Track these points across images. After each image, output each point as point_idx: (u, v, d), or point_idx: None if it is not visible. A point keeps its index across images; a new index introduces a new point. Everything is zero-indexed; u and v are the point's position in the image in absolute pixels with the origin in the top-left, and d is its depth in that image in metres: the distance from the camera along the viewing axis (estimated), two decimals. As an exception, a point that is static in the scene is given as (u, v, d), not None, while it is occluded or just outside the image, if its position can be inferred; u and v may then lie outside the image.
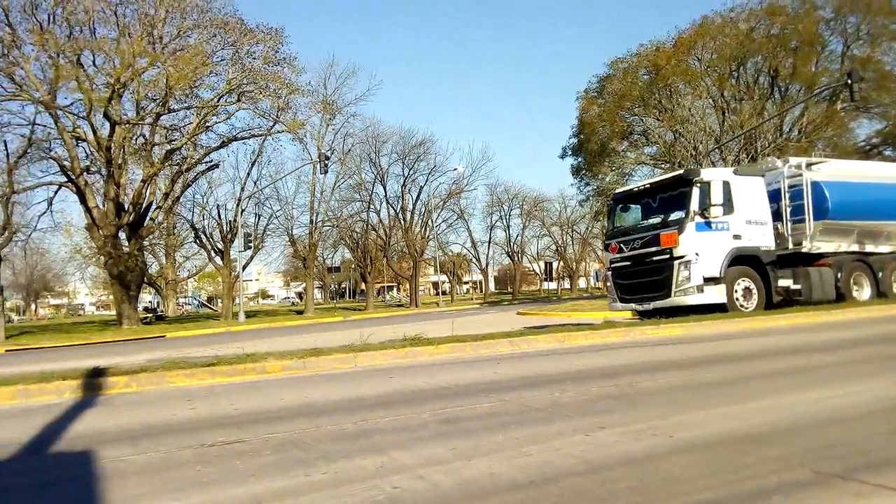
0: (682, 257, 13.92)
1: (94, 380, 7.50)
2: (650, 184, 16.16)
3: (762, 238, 14.93)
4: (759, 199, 15.16)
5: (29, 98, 26.99)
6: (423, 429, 4.88)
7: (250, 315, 41.87)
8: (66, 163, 29.26)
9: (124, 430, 5.45)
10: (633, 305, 15.32)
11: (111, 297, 46.87)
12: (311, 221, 45.94)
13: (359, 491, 3.46)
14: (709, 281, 13.92)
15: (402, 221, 56.10)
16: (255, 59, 30.85)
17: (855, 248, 16.44)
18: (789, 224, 15.91)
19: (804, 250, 15.73)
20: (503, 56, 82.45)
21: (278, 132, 34.39)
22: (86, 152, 30.07)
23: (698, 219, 14.12)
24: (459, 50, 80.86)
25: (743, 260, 14.58)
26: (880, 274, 16.20)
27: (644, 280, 14.80)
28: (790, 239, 15.88)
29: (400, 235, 56.88)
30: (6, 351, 20.75)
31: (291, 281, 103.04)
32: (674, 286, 14.00)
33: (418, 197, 56.42)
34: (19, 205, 32.49)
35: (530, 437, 4.48)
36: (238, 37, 29.42)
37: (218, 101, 30.82)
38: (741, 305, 14.28)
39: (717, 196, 13.91)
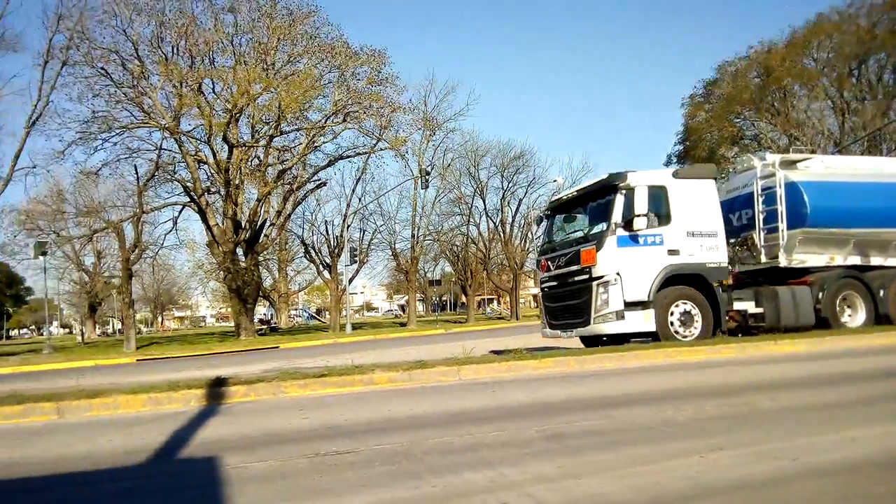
0: (600, 278, 11.65)
1: (216, 389, 7.98)
2: (577, 191, 13.69)
3: (710, 252, 12.12)
4: (708, 205, 12.39)
5: (156, 125, 29.29)
6: (529, 444, 4.84)
7: (356, 327, 43.14)
8: (188, 184, 31.41)
9: (244, 438, 5.76)
10: (559, 332, 12.98)
11: (230, 309, 49.67)
12: (413, 235, 46.80)
13: (467, 506, 3.49)
14: (633, 305, 11.51)
15: (502, 234, 55.99)
16: (359, 80, 31.99)
17: (856, 260, 13.67)
18: (762, 234, 13.42)
19: (782, 265, 13.20)
20: (601, 65, 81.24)
21: (381, 150, 35.38)
22: (206, 174, 32.19)
23: (621, 232, 11.68)
24: (556, 60, 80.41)
25: (684, 279, 12.00)
26: (881, 293, 13.13)
27: (567, 303, 12.64)
28: (763, 252, 13.43)
29: (499, 248, 56.82)
30: (136, 360, 22.41)
31: (394, 294, 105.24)
32: (593, 311, 11.73)
33: (518, 209, 56.14)
34: (148, 224, 35.33)
35: (641, 457, 4.35)
36: (343, 60, 30.61)
37: (325, 123, 32.13)
38: (678, 334, 11.75)
39: (641, 205, 11.50)
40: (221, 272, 34.47)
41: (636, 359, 9.91)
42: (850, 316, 13.25)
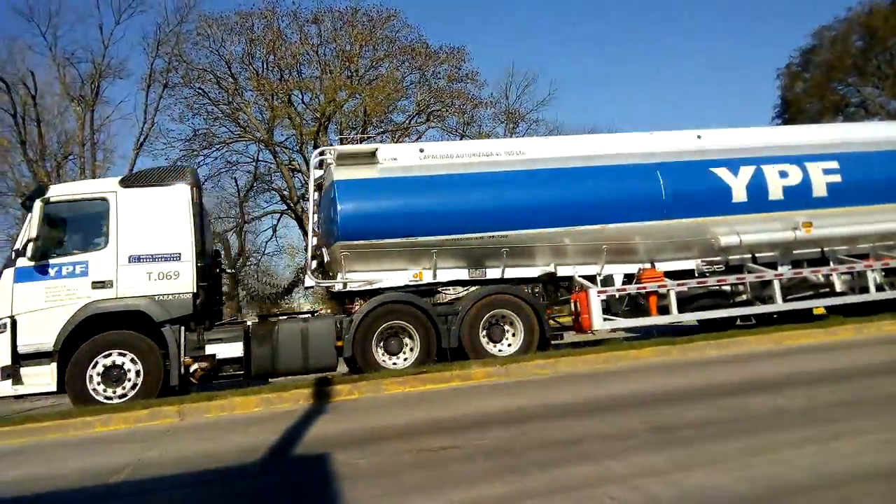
0: None
1: (322, 388, 8.29)
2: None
3: (163, 283, 9.23)
4: (173, 220, 9.49)
5: (251, 138, 30.68)
6: (633, 437, 4.75)
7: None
8: (285, 192, 32.70)
9: (351, 435, 5.96)
10: None
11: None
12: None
13: (575, 500, 3.47)
14: (29, 358, 8.73)
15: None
16: (439, 79, 32.20)
17: (458, 275, 10.80)
18: (322, 250, 10.99)
19: (336, 288, 10.63)
20: (687, 41, 77.95)
21: (466, 146, 35.50)
22: (301, 182, 33.38)
23: (24, 262, 8.96)
24: (639, 40, 77.84)
25: (121, 319, 9.04)
26: (443, 327, 10.05)
27: None
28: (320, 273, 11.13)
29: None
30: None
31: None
32: None
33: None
34: (250, 233, 37.00)
35: (754, 448, 4.18)
36: (424, 60, 30.91)
37: (409, 123, 32.61)
38: (102, 395, 8.83)
39: (35, 226, 8.95)
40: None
41: (739, 346, 9.49)
42: (388, 358, 10.05)
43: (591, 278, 10.96)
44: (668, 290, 10.61)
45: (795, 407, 5.34)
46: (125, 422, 7.53)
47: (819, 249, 11.71)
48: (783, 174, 11.33)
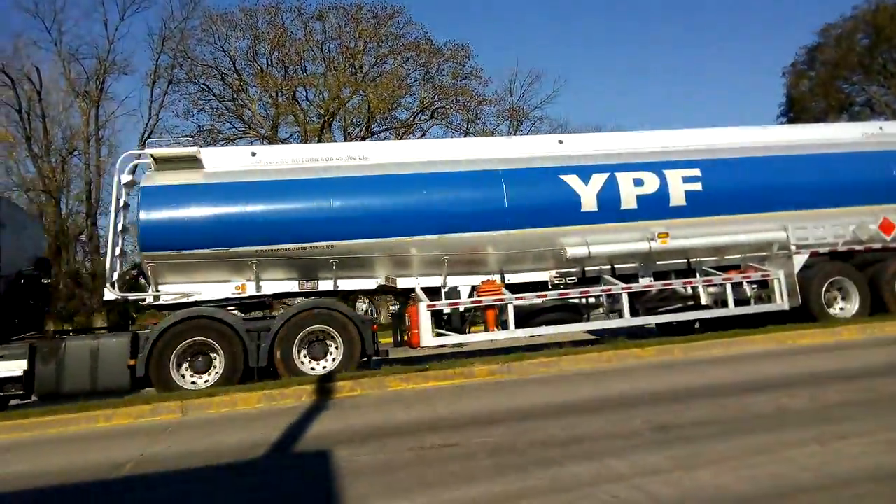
0: None
1: (324, 385, 8.29)
2: None
3: None
4: None
5: (256, 135, 30.67)
6: (636, 436, 4.73)
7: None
8: (288, 189, 32.71)
9: (352, 431, 5.95)
10: None
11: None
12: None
13: (576, 499, 3.46)
14: None
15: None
16: (444, 76, 32.16)
17: (287, 287, 10.31)
18: (116, 260, 10.09)
19: (148, 300, 9.95)
20: (693, 37, 77.79)
21: (469, 143, 35.45)
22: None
23: None
24: (644, 36, 77.77)
25: None
26: (251, 345, 9.33)
27: None
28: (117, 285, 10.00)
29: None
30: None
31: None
32: None
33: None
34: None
35: (757, 447, 4.16)
36: (428, 57, 30.85)
37: (413, 120, 32.58)
38: None
39: None
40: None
41: (745, 345, 9.46)
42: (191, 376, 9.31)
43: (437, 290, 10.49)
44: (506, 304, 10.10)
45: (799, 407, 5.31)
46: (128, 417, 7.54)
47: (685, 260, 11.23)
48: (638, 182, 10.80)
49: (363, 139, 32.26)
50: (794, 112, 40.83)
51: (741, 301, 11.10)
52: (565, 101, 71.90)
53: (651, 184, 10.83)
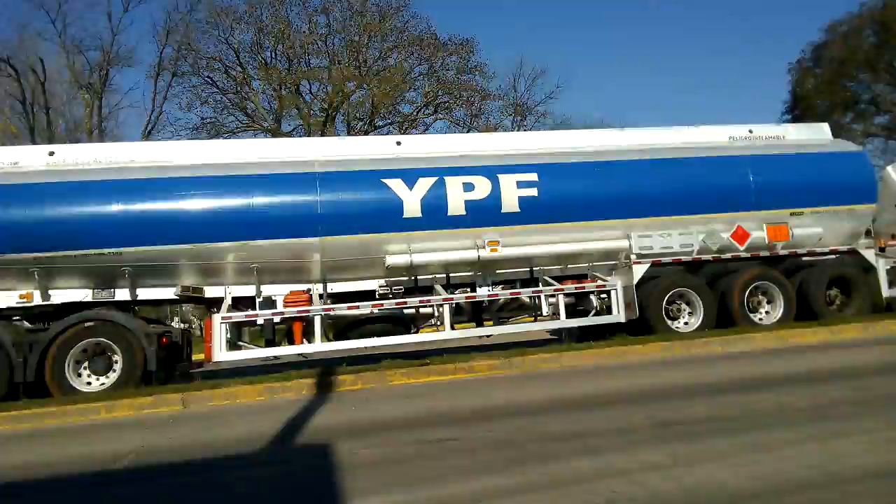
0: None
1: (326, 379, 8.30)
2: None
3: None
4: None
5: (259, 128, 30.68)
6: (636, 432, 4.73)
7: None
8: (291, 183, 32.73)
9: (353, 425, 5.96)
10: None
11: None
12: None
13: (575, 494, 3.45)
14: None
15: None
16: (448, 70, 32.11)
17: (89, 296, 9.56)
18: None
19: None
20: (699, 33, 77.40)
21: (473, 138, 35.42)
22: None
23: None
24: (649, 31, 77.37)
25: None
26: (17, 360, 8.64)
27: None
28: None
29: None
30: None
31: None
32: None
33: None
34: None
35: (757, 444, 4.15)
36: (432, 51, 30.79)
37: (417, 115, 32.55)
38: None
39: None
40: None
41: (744, 342, 9.44)
42: None
43: (252, 300, 10.00)
44: (314, 316, 9.54)
45: (800, 404, 5.30)
46: (129, 408, 7.56)
47: (528, 269, 10.72)
48: (469, 187, 10.22)
49: (366, 133, 32.23)
50: (800, 110, 40.65)
51: (598, 312, 10.70)
52: (570, 97, 71.66)
53: (482, 189, 10.28)
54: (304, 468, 4.62)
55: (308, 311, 9.55)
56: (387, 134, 32.98)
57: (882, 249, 11.85)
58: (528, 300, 10.63)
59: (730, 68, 78.68)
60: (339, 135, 31.50)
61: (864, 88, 38.95)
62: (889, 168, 14.93)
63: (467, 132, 34.44)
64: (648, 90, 78.48)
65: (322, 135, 29.21)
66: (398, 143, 11.05)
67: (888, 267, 11.56)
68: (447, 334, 9.88)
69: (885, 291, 11.43)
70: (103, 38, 29.06)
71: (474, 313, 10.73)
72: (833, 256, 11.59)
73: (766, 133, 12.27)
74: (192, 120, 30.63)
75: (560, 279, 10.67)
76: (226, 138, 30.92)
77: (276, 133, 29.90)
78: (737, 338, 9.53)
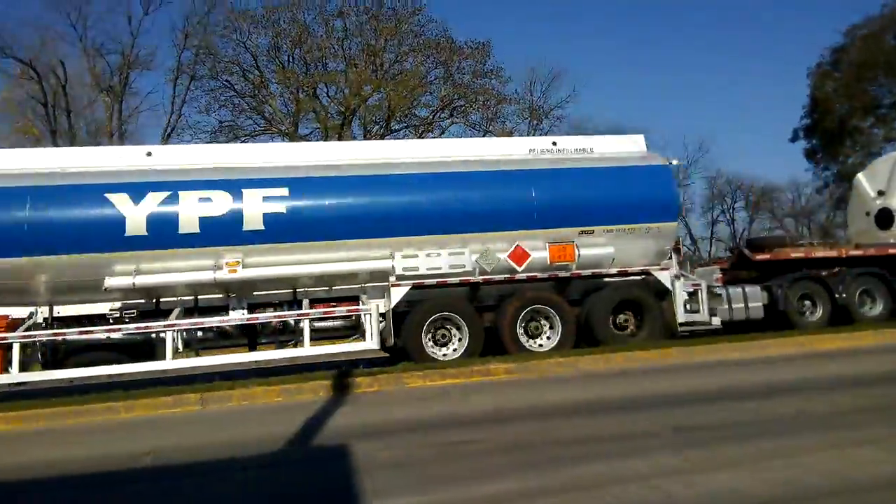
0: None
1: (342, 380, 8.36)
2: None
3: None
4: None
5: (276, 131, 30.90)
6: (652, 437, 4.74)
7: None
8: (308, 185, 32.98)
9: (370, 426, 6.01)
10: None
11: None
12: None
13: (591, 497, 3.48)
14: None
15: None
16: (464, 74, 32.17)
17: None
18: None
19: None
20: (716, 38, 76.67)
21: (488, 142, 35.48)
22: (323, 175, 33.66)
23: None
24: (668, 35, 76.77)
25: None
26: None
27: None
28: None
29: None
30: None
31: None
32: None
33: (631, 195, 54.70)
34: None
35: (773, 451, 4.15)
36: (448, 55, 30.87)
37: (433, 119, 32.64)
38: None
39: None
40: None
41: (761, 349, 9.40)
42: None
43: None
44: (12, 343, 8.78)
45: (816, 411, 5.29)
46: (148, 408, 7.66)
47: (291, 290, 10.01)
48: (205, 202, 9.39)
49: (382, 137, 32.38)
50: (818, 114, 40.33)
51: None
52: (587, 101, 71.49)
53: (222, 204, 9.43)
54: (322, 469, 4.67)
55: (6, 337, 8.88)
56: (403, 137, 33.18)
57: (842, 260, 11.98)
58: (292, 323, 9.86)
59: (750, 73, 78.06)
60: (355, 138, 31.71)
61: (885, 92, 38.52)
62: (860, 175, 14.97)
63: (483, 136, 34.53)
64: (668, 93, 78.00)
65: (339, 138, 29.40)
66: (148, 154, 10.09)
67: (688, 290, 10.93)
68: (166, 364, 9.12)
69: (681, 316, 10.79)
70: (123, 41, 29.42)
71: (248, 337, 10.00)
72: (638, 278, 10.95)
73: (573, 145, 11.51)
74: (210, 123, 30.91)
75: (330, 301, 10.00)
76: (243, 141, 31.29)
77: (292, 136, 30.12)
78: (752, 344, 9.47)
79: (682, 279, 11.01)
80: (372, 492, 3.90)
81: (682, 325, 10.84)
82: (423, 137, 33.68)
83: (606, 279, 10.76)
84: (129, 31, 29.16)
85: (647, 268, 10.91)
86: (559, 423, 5.44)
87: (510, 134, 34.70)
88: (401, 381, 8.43)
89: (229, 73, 29.94)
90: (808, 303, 11.82)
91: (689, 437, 4.66)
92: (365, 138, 32.66)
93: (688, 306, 10.86)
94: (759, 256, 12.16)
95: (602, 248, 10.58)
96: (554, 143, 11.50)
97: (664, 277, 10.89)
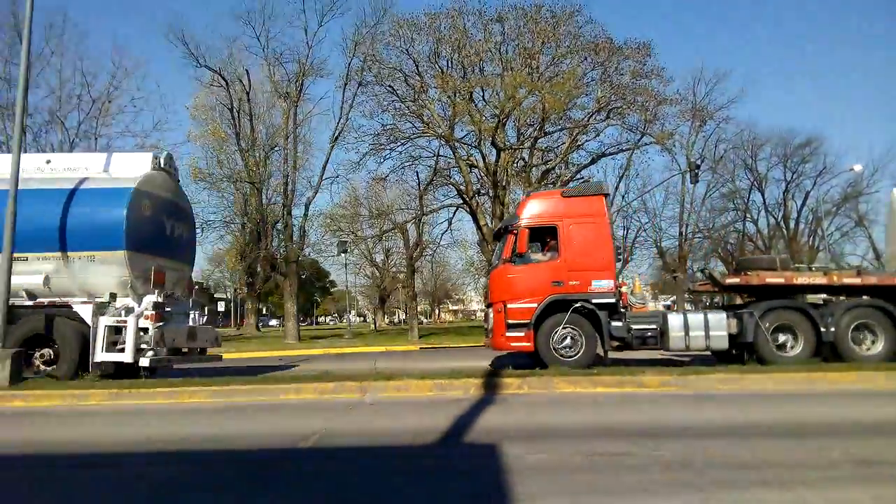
0: None
1: (491, 380, 8.45)
2: None
3: None
4: None
5: (433, 134, 31.79)
6: (832, 467, 4.30)
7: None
8: (461, 187, 33.59)
9: (520, 429, 6.00)
10: None
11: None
12: (681, 233, 44.56)
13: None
14: None
15: (785, 230, 50.52)
16: (622, 75, 31.19)
17: None
18: None
19: None
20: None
21: (646, 145, 34.12)
22: (477, 177, 34.14)
23: None
24: (853, 36, 69.05)
25: None
26: None
27: None
28: None
29: (782, 246, 51.28)
30: (420, 348, 24.60)
31: (660, 294, 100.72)
32: None
33: (804, 203, 50.28)
34: (427, 224, 38.64)
35: None
36: (607, 56, 30.11)
37: (588, 121, 31.98)
38: None
39: None
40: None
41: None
42: None
43: None
44: None
45: None
46: (314, 392, 8.21)
47: None
48: None
49: (536, 140, 32.30)
50: None
51: None
52: (756, 102, 66.55)
53: None
54: (474, 467, 4.71)
55: None
56: (557, 140, 32.94)
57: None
58: None
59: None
60: (509, 141, 31.92)
61: None
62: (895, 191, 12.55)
63: (640, 138, 33.38)
64: (844, 97, 70.63)
65: (493, 141, 29.72)
66: None
67: (110, 324, 9.83)
68: None
69: (99, 355, 9.75)
70: (300, 51, 31.72)
71: None
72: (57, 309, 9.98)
73: (67, 164, 10.83)
74: (373, 127, 32.46)
75: None
76: (403, 144, 32.53)
77: (448, 139, 30.86)
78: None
79: (107, 315, 10.09)
80: (524, 495, 3.86)
81: (97, 364, 9.90)
82: (576, 140, 33.19)
83: (22, 309, 10.17)
84: (306, 42, 31.38)
85: (70, 300, 10.20)
86: (724, 444, 5.09)
87: (671, 136, 33.25)
88: (550, 385, 8.36)
89: (392, 79, 31.27)
90: (785, 335, 10.29)
91: (877, 472, 4.17)
92: (518, 141, 32.76)
93: (116, 342, 9.90)
94: (729, 281, 10.96)
95: (30, 277, 10.07)
96: (48, 161, 11.18)
97: (85, 312, 10.08)
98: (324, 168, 32.17)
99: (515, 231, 10.93)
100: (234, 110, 31.00)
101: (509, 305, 10.65)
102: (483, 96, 32.28)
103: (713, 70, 58.42)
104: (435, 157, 33.66)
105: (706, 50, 76.07)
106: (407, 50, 30.65)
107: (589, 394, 8.09)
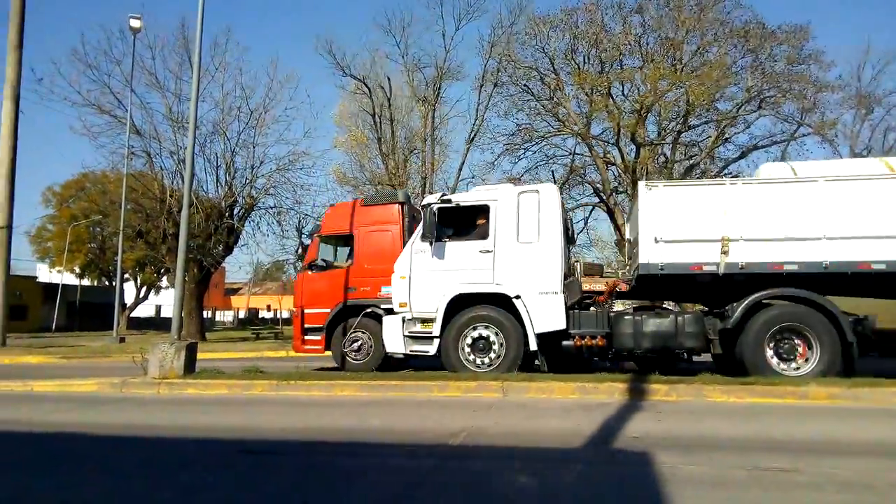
0: None
1: (637, 385, 8.18)
2: None
3: None
4: None
5: (569, 132, 31.32)
6: None
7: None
8: (598, 186, 32.86)
9: (672, 437, 5.76)
10: None
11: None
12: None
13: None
14: None
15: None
16: (776, 61, 29.05)
17: None
18: None
19: None
20: None
21: (803, 136, 31.54)
22: (614, 175, 33.24)
23: None
24: None
25: None
26: None
27: None
28: None
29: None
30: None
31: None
32: None
33: None
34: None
35: None
36: (759, 42, 28.17)
37: (737, 112, 30.12)
38: None
39: None
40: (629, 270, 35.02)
41: None
42: None
43: None
44: None
45: None
46: (458, 390, 8.39)
47: None
48: None
49: (679, 134, 30.89)
50: None
51: None
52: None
53: None
54: (625, 475, 4.60)
55: None
56: (702, 133, 31.36)
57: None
58: None
59: None
60: (650, 136, 30.79)
61: None
62: None
63: (797, 129, 30.93)
64: None
65: (633, 136, 28.81)
66: None
67: None
68: None
69: None
70: (437, 55, 32.45)
71: None
72: None
73: None
74: (508, 127, 32.54)
75: None
76: (537, 143, 32.33)
77: (584, 137, 30.30)
78: None
79: None
80: (683, 507, 3.73)
81: None
82: (724, 133, 31.33)
83: None
84: (443, 46, 32.04)
85: None
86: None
87: (833, 125, 30.56)
88: (701, 393, 7.98)
89: (528, 79, 31.18)
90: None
91: None
92: (659, 136, 31.49)
93: None
94: None
95: None
96: None
97: None
98: (459, 169, 32.65)
99: (314, 239, 12.10)
100: (377, 116, 32.28)
101: (306, 311, 11.68)
102: (622, 91, 31.38)
103: (882, 50, 52.83)
104: (571, 156, 33.15)
105: (873, 27, 68.82)
106: (542, 48, 30.45)
107: (744, 404, 7.61)
